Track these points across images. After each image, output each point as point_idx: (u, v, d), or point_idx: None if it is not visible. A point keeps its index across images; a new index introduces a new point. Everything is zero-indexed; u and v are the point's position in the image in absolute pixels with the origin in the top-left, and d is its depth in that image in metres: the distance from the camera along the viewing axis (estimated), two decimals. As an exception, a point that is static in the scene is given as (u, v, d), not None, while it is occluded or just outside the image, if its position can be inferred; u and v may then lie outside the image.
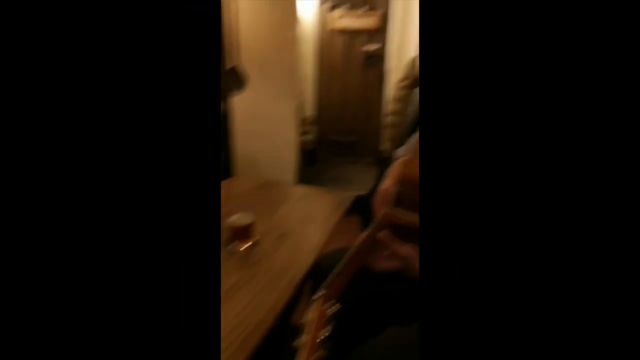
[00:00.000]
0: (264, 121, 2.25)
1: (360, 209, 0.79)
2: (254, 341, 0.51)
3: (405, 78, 2.28)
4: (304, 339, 0.35)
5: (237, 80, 2.26)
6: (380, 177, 0.73)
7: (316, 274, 0.75)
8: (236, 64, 2.24)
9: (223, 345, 0.50)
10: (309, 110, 2.98)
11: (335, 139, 3.08)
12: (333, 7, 2.72)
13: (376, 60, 2.84)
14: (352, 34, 2.81)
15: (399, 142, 1.06)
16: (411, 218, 0.63)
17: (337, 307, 0.42)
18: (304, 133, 2.74)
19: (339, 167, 2.99)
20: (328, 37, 2.85)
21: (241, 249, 0.77)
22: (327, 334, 0.38)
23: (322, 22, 2.80)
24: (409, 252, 0.57)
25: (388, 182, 0.69)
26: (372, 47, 2.83)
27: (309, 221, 0.96)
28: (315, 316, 0.39)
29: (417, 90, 2.01)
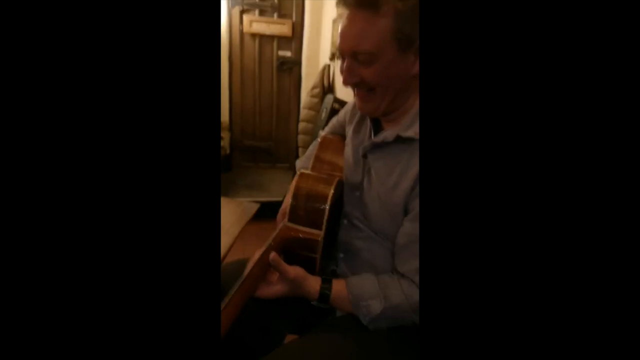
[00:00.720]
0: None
1: (276, 215, 0.79)
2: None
3: (316, 86, 2.36)
4: None
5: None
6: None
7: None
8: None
9: None
10: (224, 115, 2.90)
11: (251, 145, 3.04)
12: (242, 12, 2.70)
13: (290, 66, 2.89)
14: (265, 39, 2.81)
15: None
16: (304, 233, 0.65)
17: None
18: (217, 138, 2.65)
19: (255, 174, 2.96)
20: (240, 42, 2.81)
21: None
22: None
23: (234, 26, 2.75)
24: (297, 273, 0.59)
25: (287, 197, 0.70)
26: (287, 53, 2.87)
27: (210, 232, 0.94)
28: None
29: (328, 98, 2.10)
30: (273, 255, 0.58)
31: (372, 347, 0.58)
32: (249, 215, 1.07)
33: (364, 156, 0.69)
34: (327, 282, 0.62)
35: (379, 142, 0.65)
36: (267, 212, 1.13)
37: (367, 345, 0.58)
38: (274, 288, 0.60)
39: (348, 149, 0.76)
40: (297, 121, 2.70)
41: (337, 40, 0.59)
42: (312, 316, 0.69)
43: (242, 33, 2.78)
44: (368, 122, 0.72)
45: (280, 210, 0.78)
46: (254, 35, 2.79)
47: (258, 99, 2.96)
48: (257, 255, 0.59)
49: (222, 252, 0.83)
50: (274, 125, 3.04)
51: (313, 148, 0.89)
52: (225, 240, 0.90)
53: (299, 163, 0.92)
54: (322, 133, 0.89)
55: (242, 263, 0.78)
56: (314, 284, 0.61)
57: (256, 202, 1.18)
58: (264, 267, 0.59)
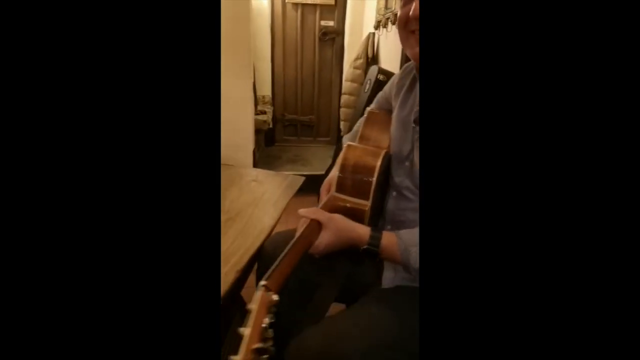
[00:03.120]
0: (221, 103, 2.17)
1: (318, 188, 0.81)
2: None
3: (359, 57, 2.29)
4: (247, 329, 0.37)
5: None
6: (335, 156, 0.75)
7: (262, 257, 0.77)
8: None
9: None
10: (266, 89, 2.92)
11: (292, 119, 3.05)
12: (286, -19, 2.64)
13: (333, 36, 2.81)
14: (307, 8, 2.75)
15: (353, 123, 1.08)
16: (351, 203, 0.66)
17: (276, 298, 0.44)
18: (260, 113, 2.69)
19: (297, 148, 2.99)
20: (282, 12, 2.76)
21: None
22: (268, 324, 0.40)
23: (276, -4, 2.70)
24: (342, 217, 0.61)
25: (334, 170, 0.71)
26: (329, 23, 2.79)
27: (257, 204, 0.97)
28: (257, 306, 0.41)
29: (372, 69, 2.03)
30: (312, 209, 0.59)
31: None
32: (295, 188, 1.09)
33: (415, 122, 0.67)
34: (377, 231, 0.63)
35: None
36: (308, 185, 1.15)
37: (414, 319, 0.59)
38: (322, 240, 0.61)
39: (395, 121, 0.75)
40: (339, 94, 2.66)
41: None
42: (357, 286, 0.71)
43: (284, 2, 2.73)
44: (417, 90, 0.70)
45: (324, 183, 0.79)
46: (296, 5, 2.73)
47: (300, 72, 2.94)
48: (303, 221, 0.61)
49: (270, 224, 0.86)
50: (315, 99, 3.02)
51: (360, 123, 0.89)
52: (273, 212, 0.93)
53: (345, 139, 0.92)
54: (368, 109, 0.89)
55: (289, 233, 0.80)
56: (363, 230, 0.63)
57: (299, 175, 1.20)
58: (314, 229, 0.61)
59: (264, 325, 0.39)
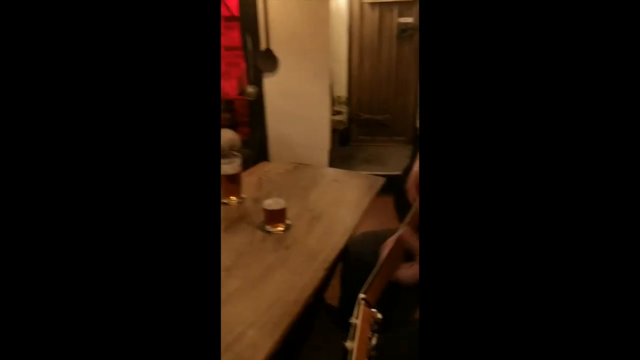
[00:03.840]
0: (297, 102, 2.27)
1: (394, 189, 0.80)
2: (290, 318, 0.56)
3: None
4: (353, 343, 0.38)
5: (269, 61, 2.28)
6: (414, 156, 0.74)
7: (346, 257, 0.79)
8: (269, 46, 2.26)
9: (263, 319, 0.55)
10: (342, 89, 2.96)
11: (368, 118, 3.04)
12: (365, -20, 2.63)
13: (411, 33, 2.74)
14: (385, 7, 2.71)
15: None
16: None
17: (380, 316, 0.44)
18: (336, 113, 2.73)
19: (372, 147, 2.97)
20: (360, 12, 2.76)
21: (275, 231, 0.82)
22: (375, 342, 0.40)
23: (354, -4, 2.71)
24: None
25: (417, 165, 0.69)
26: (409, 19, 2.72)
27: (341, 204, 1.00)
28: (360, 322, 0.41)
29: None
30: (405, 232, 0.58)
31: None
32: (376, 189, 1.09)
33: None
34: None
35: None
36: (384, 186, 1.13)
37: None
38: (414, 269, 0.60)
39: None
40: (417, 92, 2.57)
41: None
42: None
43: (361, 2, 2.73)
44: None
45: (410, 180, 0.77)
46: (373, 4, 2.72)
47: (376, 70, 2.91)
48: (393, 237, 0.60)
49: (353, 224, 0.88)
50: (391, 97, 2.96)
51: None
52: (355, 213, 0.94)
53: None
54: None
55: (373, 235, 0.81)
56: None
57: (376, 175, 1.19)
58: (401, 248, 0.59)
59: (370, 341, 0.40)
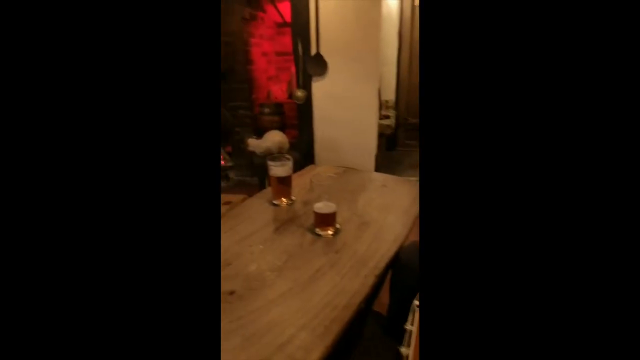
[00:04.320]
0: (344, 105, 2.27)
1: None
2: (342, 323, 0.55)
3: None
4: (409, 349, 0.37)
5: (318, 66, 2.31)
6: None
7: (396, 265, 0.77)
8: (319, 50, 2.29)
9: (314, 322, 0.55)
10: (390, 93, 2.91)
11: (416, 123, 2.97)
12: (418, -17, 2.58)
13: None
14: (438, 10, 2.64)
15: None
16: None
17: None
18: (383, 117, 2.70)
19: (417, 153, 2.89)
20: (411, 16, 2.71)
21: (325, 234, 0.82)
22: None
23: (405, 0, 2.67)
24: None
25: None
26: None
27: (390, 210, 0.98)
28: (416, 328, 0.40)
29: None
30: None
31: None
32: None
33: None
34: None
35: None
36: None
37: None
38: None
39: None
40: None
41: None
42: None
43: (413, 6, 2.68)
44: None
45: None
46: (426, 6, 2.65)
47: (426, 75, 2.84)
48: None
49: (404, 232, 0.86)
50: (442, 102, 2.87)
51: None
52: (405, 220, 0.92)
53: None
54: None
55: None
56: None
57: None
58: None
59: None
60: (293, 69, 2.46)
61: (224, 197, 1.51)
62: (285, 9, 2.94)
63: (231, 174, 2.73)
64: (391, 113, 2.88)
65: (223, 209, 0.97)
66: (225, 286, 0.65)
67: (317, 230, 0.83)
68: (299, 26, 2.27)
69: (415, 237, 0.91)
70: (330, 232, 0.83)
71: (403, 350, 0.37)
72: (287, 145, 2.46)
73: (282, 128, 2.67)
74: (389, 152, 2.92)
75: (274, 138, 2.37)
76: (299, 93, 2.40)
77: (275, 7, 2.97)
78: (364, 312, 0.63)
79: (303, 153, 2.37)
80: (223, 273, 0.69)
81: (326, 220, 0.83)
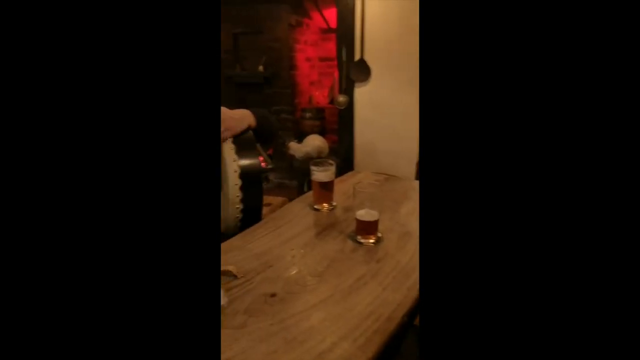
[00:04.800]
0: (386, 112, 2.24)
1: None
2: (385, 335, 0.54)
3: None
4: None
5: (362, 72, 2.30)
6: None
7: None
8: (363, 56, 2.28)
9: (356, 333, 0.54)
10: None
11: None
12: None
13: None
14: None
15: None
16: None
17: None
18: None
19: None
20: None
21: (367, 242, 0.81)
22: None
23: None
24: None
25: None
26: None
27: (434, 221, 0.95)
28: None
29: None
30: None
31: None
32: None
33: None
34: None
35: None
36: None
37: None
38: None
39: None
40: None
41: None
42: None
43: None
44: None
45: None
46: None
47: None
48: None
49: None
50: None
51: None
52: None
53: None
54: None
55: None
56: None
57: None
58: None
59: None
60: (336, 75, 2.47)
61: (264, 199, 1.53)
62: (331, 15, 2.97)
63: (271, 176, 2.79)
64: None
65: (263, 210, 0.98)
66: (266, 288, 0.66)
67: (359, 238, 0.82)
68: (344, 32, 2.28)
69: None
70: (371, 241, 0.82)
71: None
72: (326, 150, 2.47)
73: (322, 132, 2.69)
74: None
75: (314, 142, 2.39)
76: (341, 98, 2.40)
77: (321, 14, 3.01)
78: (406, 326, 0.61)
79: (342, 158, 2.36)
80: (264, 275, 0.70)
81: (368, 228, 0.82)
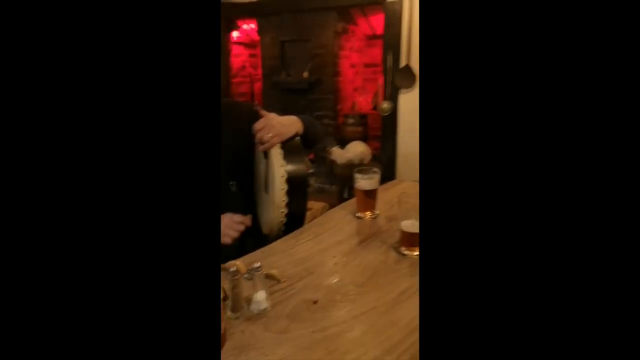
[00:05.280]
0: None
1: None
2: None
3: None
4: None
5: (407, 78, 2.26)
6: None
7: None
8: (409, 62, 2.24)
9: (399, 349, 0.53)
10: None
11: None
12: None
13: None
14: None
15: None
16: None
17: None
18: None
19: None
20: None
21: (411, 255, 0.79)
22: None
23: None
24: None
25: None
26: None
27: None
28: None
29: None
30: None
31: None
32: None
33: None
34: None
35: None
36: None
37: None
38: None
39: None
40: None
41: None
42: None
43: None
44: None
45: None
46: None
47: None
48: None
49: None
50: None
51: None
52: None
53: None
54: None
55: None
56: None
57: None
58: None
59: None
60: (380, 81, 2.45)
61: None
62: (377, 21, 2.95)
63: (311, 181, 2.81)
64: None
65: (305, 215, 0.99)
66: (308, 294, 0.66)
67: (403, 250, 0.80)
68: (391, 38, 2.26)
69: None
70: (416, 253, 0.79)
71: None
72: (369, 157, 2.45)
73: (364, 139, 2.67)
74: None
75: (357, 149, 2.38)
76: (385, 105, 2.37)
77: (368, 21, 3.00)
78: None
79: (384, 166, 2.33)
80: (305, 281, 0.70)
81: (413, 240, 0.80)
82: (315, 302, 0.64)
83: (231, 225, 0.88)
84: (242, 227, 0.88)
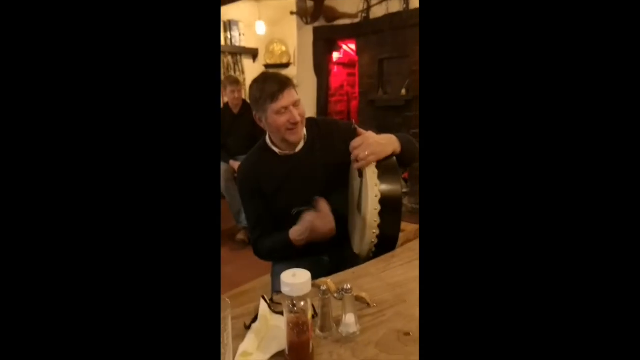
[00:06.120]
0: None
1: None
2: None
3: None
4: None
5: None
6: None
7: None
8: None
9: None
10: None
11: None
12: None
13: None
14: None
15: None
16: None
17: None
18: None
19: None
20: None
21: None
22: None
23: None
24: None
25: None
26: None
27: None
28: None
29: None
30: None
31: None
32: None
33: None
34: None
35: None
36: None
37: None
38: None
39: None
40: None
41: None
42: None
43: None
44: None
45: None
46: None
47: None
48: None
49: None
50: None
51: None
52: None
53: None
54: None
55: None
56: None
57: None
58: None
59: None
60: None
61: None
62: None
63: (405, 201, 2.72)
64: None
65: (397, 237, 0.95)
66: (399, 324, 0.62)
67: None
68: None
69: None
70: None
71: None
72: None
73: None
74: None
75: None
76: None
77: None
78: None
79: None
80: (397, 308, 0.67)
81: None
82: (407, 334, 0.59)
83: (323, 217, 0.88)
84: (333, 222, 0.89)
